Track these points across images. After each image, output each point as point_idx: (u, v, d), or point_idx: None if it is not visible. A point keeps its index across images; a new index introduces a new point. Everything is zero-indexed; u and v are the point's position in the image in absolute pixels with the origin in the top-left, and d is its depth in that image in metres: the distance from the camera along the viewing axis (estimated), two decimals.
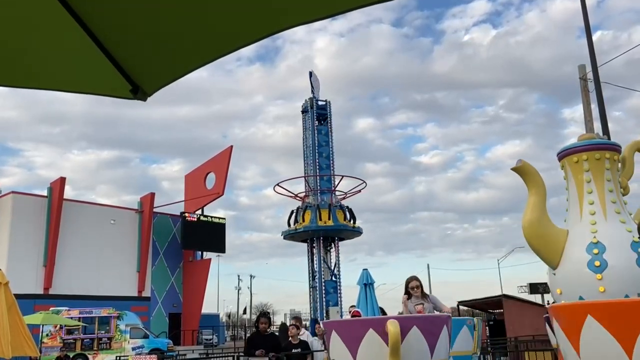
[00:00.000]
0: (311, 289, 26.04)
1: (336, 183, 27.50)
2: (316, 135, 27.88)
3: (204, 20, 1.59)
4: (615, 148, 5.80)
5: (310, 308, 25.77)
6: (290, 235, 26.63)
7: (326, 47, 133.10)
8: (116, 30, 1.77)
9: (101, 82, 2.00)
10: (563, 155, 5.80)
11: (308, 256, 26.95)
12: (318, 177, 27.05)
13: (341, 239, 27.70)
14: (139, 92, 1.90)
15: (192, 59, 1.73)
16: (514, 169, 5.78)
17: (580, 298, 5.17)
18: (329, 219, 25.59)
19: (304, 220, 25.74)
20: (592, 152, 5.57)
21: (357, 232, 26.98)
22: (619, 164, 5.82)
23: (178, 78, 1.80)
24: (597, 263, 5.07)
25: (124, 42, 1.78)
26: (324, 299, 25.47)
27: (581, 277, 5.18)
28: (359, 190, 28.04)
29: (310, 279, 26.42)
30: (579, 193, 5.60)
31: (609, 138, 12.25)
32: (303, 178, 27.62)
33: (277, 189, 27.43)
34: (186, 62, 1.75)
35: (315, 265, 26.48)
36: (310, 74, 29.53)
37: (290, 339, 10.12)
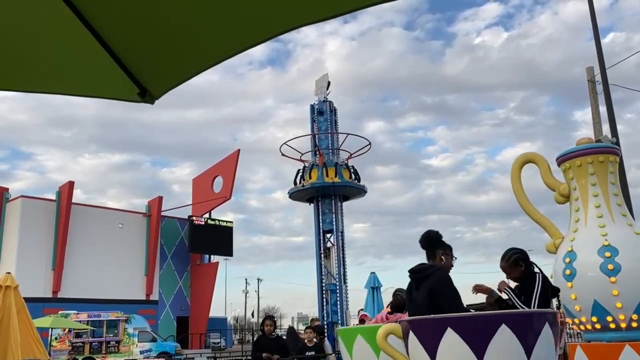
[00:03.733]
0: (327, 292, 25.88)
1: (341, 142, 27.88)
2: (337, 138, 28.14)
3: (211, 22, 1.60)
4: (614, 151, 5.77)
5: (323, 311, 25.56)
6: (296, 193, 26.92)
7: (337, 50, 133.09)
8: (123, 33, 1.77)
9: (109, 85, 2.01)
10: (565, 159, 5.76)
11: (314, 216, 27.08)
12: (325, 137, 27.35)
13: (346, 198, 27.90)
14: (147, 94, 1.91)
15: (199, 61, 1.74)
16: None
17: (595, 302, 5.12)
18: (335, 176, 25.88)
19: (310, 178, 25.98)
20: (596, 155, 5.53)
21: (362, 190, 27.22)
22: (615, 167, 5.79)
23: (186, 80, 1.80)
24: (610, 266, 5.02)
25: (131, 45, 1.79)
26: (345, 301, 25.42)
27: (595, 280, 5.11)
28: (363, 149, 28.32)
29: (319, 281, 26.27)
30: (583, 196, 5.56)
31: (617, 140, 12.19)
32: (305, 135, 27.93)
33: (284, 149, 27.72)
34: (194, 65, 1.76)
35: (332, 267, 26.40)
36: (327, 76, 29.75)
37: (306, 341, 10.15)
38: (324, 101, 28.56)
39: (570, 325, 5.49)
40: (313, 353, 9.80)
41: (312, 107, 28.92)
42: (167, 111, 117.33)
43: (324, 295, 25.87)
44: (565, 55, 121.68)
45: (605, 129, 14.62)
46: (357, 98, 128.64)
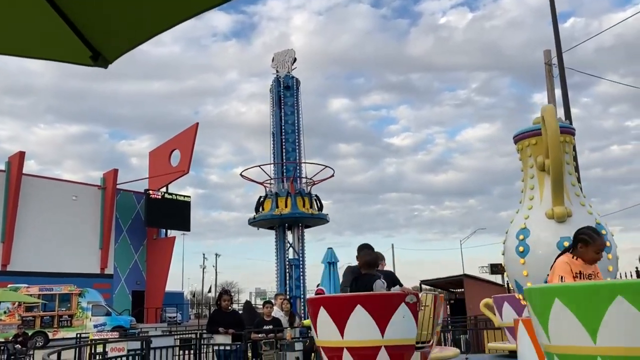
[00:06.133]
0: (290, 267, 25.86)
1: (305, 170, 27.31)
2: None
3: None
4: (570, 131, 5.86)
5: (286, 286, 25.66)
6: (255, 222, 26.46)
7: (303, 25, 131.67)
8: None
9: (59, 47, 1.93)
10: (516, 140, 5.89)
11: (275, 242, 26.83)
12: (286, 164, 26.76)
13: (307, 226, 27.61)
14: (100, 58, 1.84)
15: (154, 24, 1.68)
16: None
17: (516, 282, 5.33)
18: (286, 206, 25.41)
19: (277, 207, 25.49)
20: (533, 137, 5.62)
21: (322, 219, 26.88)
22: (571, 147, 5.86)
23: (140, 44, 1.74)
24: (521, 248, 5.21)
25: (82, 5, 1.72)
26: (302, 279, 25.57)
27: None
28: (327, 177, 27.92)
29: (280, 263, 26.24)
30: (525, 178, 5.69)
31: (571, 123, 12.50)
32: (271, 164, 27.31)
33: (245, 174, 27.12)
34: (149, 27, 1.70)
35: (280, 248, 26.37)
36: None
37: (264, 316, 10.24)
38: (291, 77, 28.00)
39: (521, 301, 5.62)
40: (271, 327, 9.90)
41: (278, 80, 28.04)
42: (128, 82, 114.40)
43: (287, 270, 25.91)
44: (528, 38, 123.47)
45: (561, 112, 15.00)
46: (322, 74, 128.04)
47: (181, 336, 13.32)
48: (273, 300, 11.45)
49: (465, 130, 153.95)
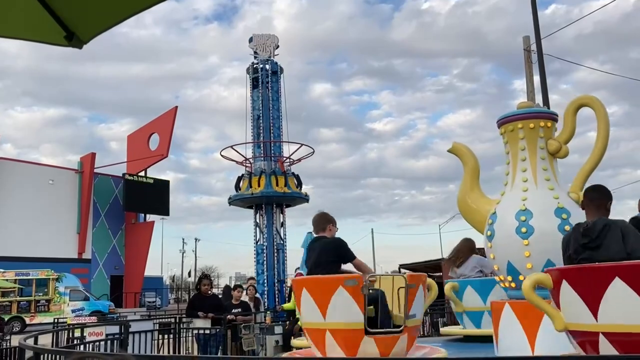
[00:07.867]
0: (278, 251, 25.94)
1: (289, 150, 27.28)
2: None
3: None
4: (551, 117, 5.95)
5: (274, 270, 25.69)
6: (239, 201, 26.29)
7: (286, 9, 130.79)
8: None
9: (33, 27, 1.89)
10: (501, 123, 5.94)
11: (255, 222, 26.81)
12: (271, 144, 26.70)
13: (288, 205, 27.74)
14: (74, 39, 1.81)
15: (128, 5, 1.66)
16: (448, 151, 6.36)
17: (509, 263, 5.38)
18: (285, 185, 25.50)
19: (258, 186, 25.32)
20: (527, 120, 5.70)
21: (305, 199, 27.05)
22: (556, 132, 5.95)
23: (115, 24, 1.72)
24: (523, 229, 5.26)
25: None
26: (285, 262, 25.69)
27: (510, 242, 5.37)
28: (304, 157, 27.92)
29: (268, 245, 26.22)
30: (514, 161, 5.77)
31: (548, 109, 12.62)
32: (250, 143, 27.13)
33: (225, 153, 26.85)
34: (123, 8, 1.67)
35: (268, 230, 26.42)
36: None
37: (233, 300, 10.41)
38: (274, 62, 27.70)
39: (501, 283, 5.71)
40: (240, 310, 10.11)
41: (264, 64, 27.58)
42: (108, 65, 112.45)
43: (275, 255, 25.97)
44: (509, 25, 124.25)
45: (539, 98, 15.13)
46: (305, 59, 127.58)
47: (160, 320, 13.30)
48: (244, 285, 11.62)
49: (447, 116, 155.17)
